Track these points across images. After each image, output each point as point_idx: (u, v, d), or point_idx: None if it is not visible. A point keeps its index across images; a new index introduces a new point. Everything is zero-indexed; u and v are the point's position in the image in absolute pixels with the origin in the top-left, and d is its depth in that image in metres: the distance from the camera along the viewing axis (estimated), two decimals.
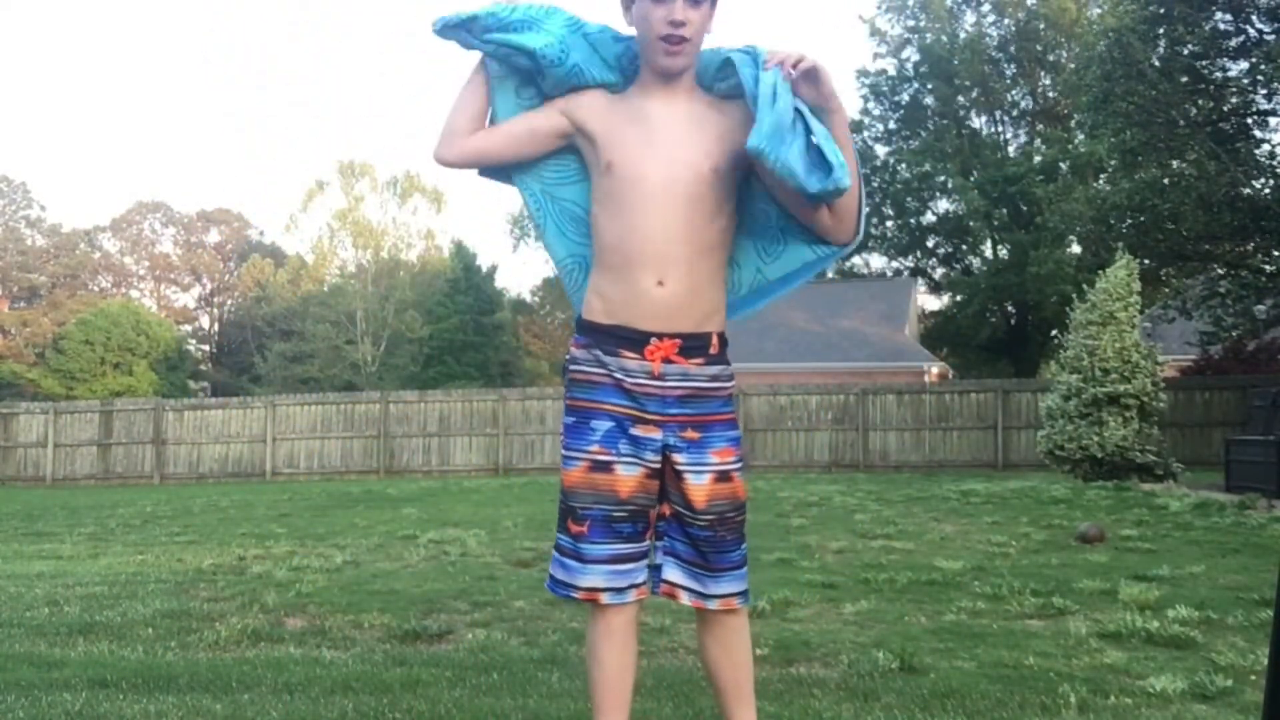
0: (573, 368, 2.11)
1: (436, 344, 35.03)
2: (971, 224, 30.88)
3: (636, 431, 2.04)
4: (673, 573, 2.09)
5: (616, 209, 2.07)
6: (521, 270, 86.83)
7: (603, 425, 2.04)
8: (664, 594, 2.09)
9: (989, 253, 32.75)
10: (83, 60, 75.89)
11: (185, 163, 74.16)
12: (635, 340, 2.05)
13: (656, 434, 2.04)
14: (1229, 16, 15.21)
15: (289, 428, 19.85)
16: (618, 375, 2.05)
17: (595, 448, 2.04)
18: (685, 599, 2.08)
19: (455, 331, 34.93)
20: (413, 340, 36.25)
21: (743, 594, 2.09)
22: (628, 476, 2.03)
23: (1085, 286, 13.48)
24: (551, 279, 46.57)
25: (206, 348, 48.79)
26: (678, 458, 2.05)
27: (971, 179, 30.60)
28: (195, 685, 3.26)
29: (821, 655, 3.63)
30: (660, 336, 2.04)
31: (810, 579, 5.21)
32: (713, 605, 2.07)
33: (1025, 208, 29.39)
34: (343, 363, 36.80)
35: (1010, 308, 31.75)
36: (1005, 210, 30.05)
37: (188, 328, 47.73)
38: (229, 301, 49.68)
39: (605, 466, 2.03)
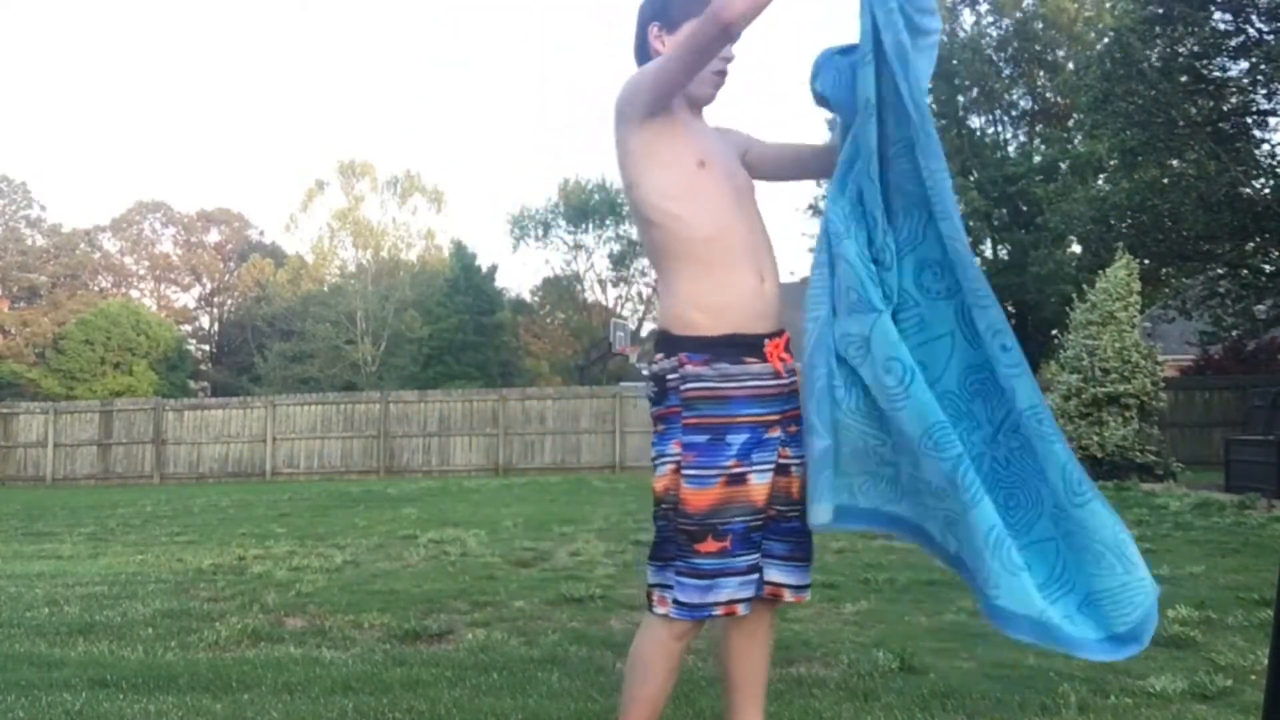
0: (693, 385, 2.03)
1: (436, 344, 35.01)
2: (971, 224, 30.81)
3: (768, 435, 2.04)
4: (775, 573, 2.10)
5: (713, 205, 2.07)
6: (521, 270, 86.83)
7: (739, 438, 2.01)
8: (769, 595, 2.11)
9: (989, 253, 32.71)
10: (83, 60, 75.92)
11: (185, 163, 74.19)
12: (753, 345, 2.05)
13: (779, 432, 2.07)
14: (1229, 16, 15.20)
15: (289, 428, 19.84)
16: (750, 384, 2.03)
17: (732, 462, 2.00)
18: (788, 596, 2.11)
19: (455, 331, 34.92)
20: (413, 340, 36.24)
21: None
22: (761, 485, 2.03)
23: (1085, 286, 13.47)
24: (551, 279, 46.60)
25: (206, 348, 48.78)
26: (788, 451, 2.09)
27: (971, 179, 30.58)
28: (195, 685, 3.27)
29: (821, 655, 3.63)
30: (770, 337, 2.09)
31: (810, 579, 5.21)
32: (806, 596, 2.15)
33: (1025, 208, 29.37)
34: (343, 363, 36.80)
35: (1010, 308, 31.67)
36: (1005, 210, 30.03)
37: (188, 328, 47.70)
38: (229, 301, 49.65)
39: (740, 479, 2.01)
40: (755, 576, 2.03)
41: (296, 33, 72.46)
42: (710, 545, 1.99)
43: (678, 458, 2.03)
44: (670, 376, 2.06)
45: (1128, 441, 12.26)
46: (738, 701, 2.13)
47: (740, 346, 2.03)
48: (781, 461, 2.08)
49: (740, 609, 2.01)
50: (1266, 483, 9.74)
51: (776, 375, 2.06)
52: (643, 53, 2.19)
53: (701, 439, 2.01)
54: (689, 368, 2.03)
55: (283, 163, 72.12)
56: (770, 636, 2.17)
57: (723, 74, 2.15)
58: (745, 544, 2.01)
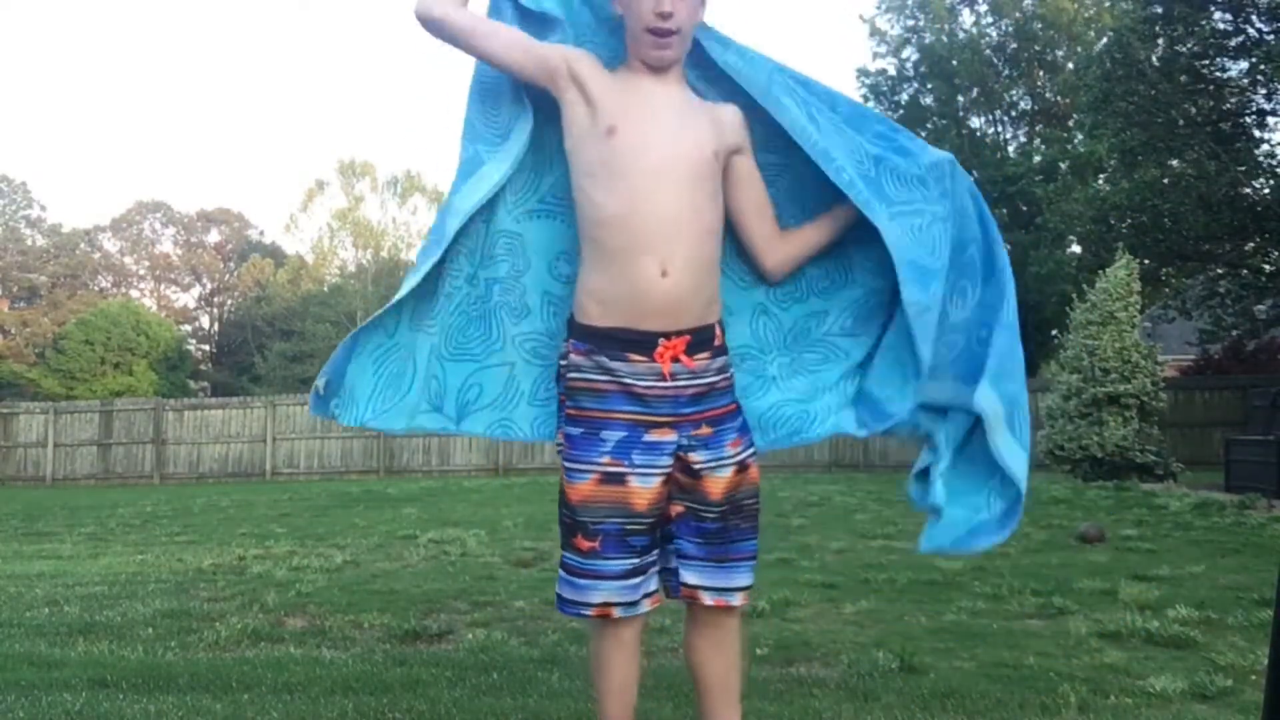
0: (573, 375, 1.96)
1: None
2: None
3: (651, 437, 1.92)
4: (689, 575, 1.99)
5: (616, 179, 1.92)
6: None
7: (614, 435, 1.91)
8: (685, 597, 2.01)
9: None
10: (83, 60, 75.92)
11: (185, 163, 74.15)
12: (641, 343, 1.92)
13: (671, 436, 1.93)
14: (1229, 16, 15.21)
15: (289, 428, 19.85)
16: (627, 380, 1.92)
17: (606, 459, 1.90)
18: (708, 599, 1.98)
19: None
20: None
21: (750, 587, 2.03)
22: (644, 489, 1.91)
23: (1085, 286, 13.48)
24: None
25: (206, 348, 48.75)
26: (694, 456, 1.95)
27: (971, 179, 30.60)
28: (195, 685, 3.26)
29: (821, 655, 3.63)
30: (667, 336, 1.92)
31: (810, 579, 5.21)
32: (735, 600, 1.99)
33: (1025, 208, 29.37)
34: None
35: None
36: (1005, 210, 30.01)
37: (188, 328, 47.66)
38: (229, 301, 49.62)
39: (618, 479, 1.90)
40: (635, 581, 1.91)
41: (296, 33, 72.49)
42: (581, 543, 1.91)
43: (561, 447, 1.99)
44: (561, 363, 2.01)
45: (1128, 441, 12.27)
46: (711, 704, 2.05)
47: (626, 342, 1.92)
48: (694, 467, 1.95)
49: (616, 612, 1.91)
50: (1266, 483, 9.74)
51: (661, 377, 1.92)
52: None
53: (577, 431, 1.94)
54: (572, 356, 1.96)
55: (283, 163, 72.13)
56: (735, 638, 2.05)
57: (659, 33, 1.92)
58: (620, 547, 1.89)
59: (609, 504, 1.90)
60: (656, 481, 1.92)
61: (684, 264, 1.92)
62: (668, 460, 1.94)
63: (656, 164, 1.93)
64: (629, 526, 1.91)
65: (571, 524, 1.93)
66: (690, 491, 1.98)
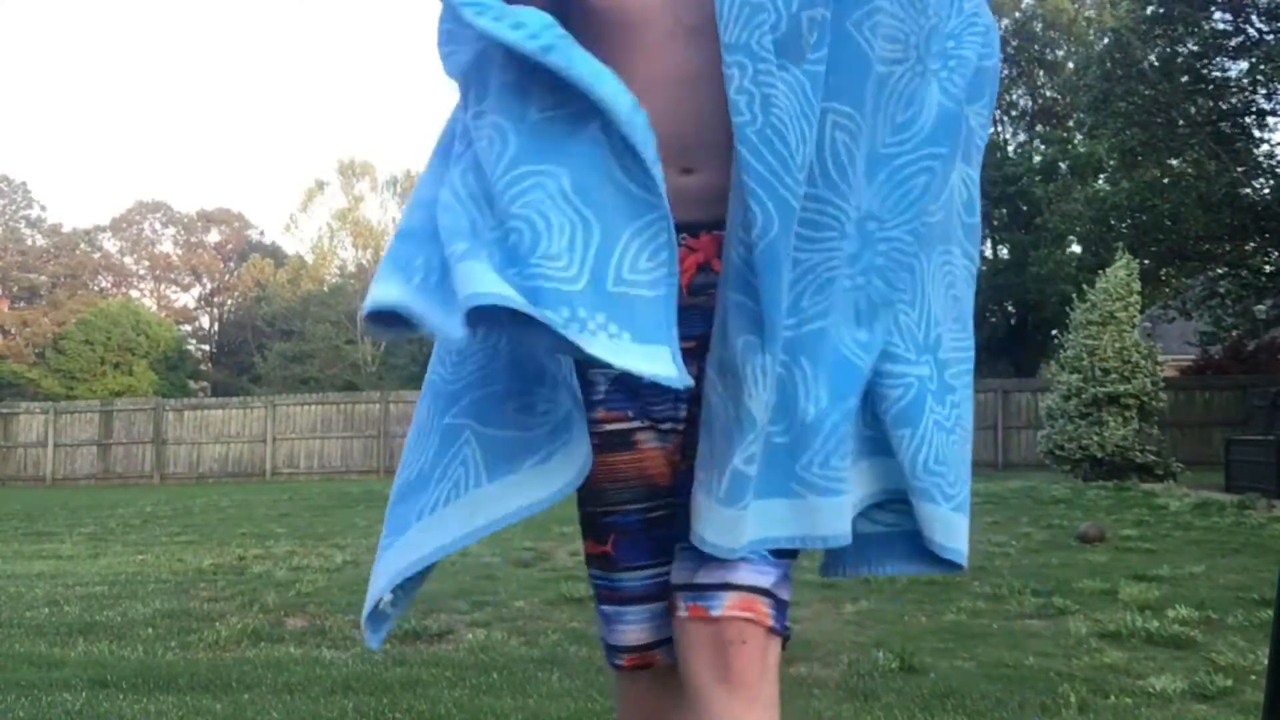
0: None
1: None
2: None
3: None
4: (674, 570, 1.18)
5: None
6: None
7: (602, 378, 1.20)
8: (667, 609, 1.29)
9: (989, 253, 32.75)
10: (83, 60, 75.94)
11: (185, 163, 74.12)
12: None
13: (694, 368, 1.13)
14: (1229, 16, 15.23)
15: (289, 428, 19.84)
16: None
17: (599, 413, 1.20)
18: (681, 608, 1.14)
19: None
20: (413, 340, 36.23)
21: (762, 592, 1.19)
22: (658, 450, 1.21)
23: (1085, 286, 13.49)
24: None
25: (206, 348, 48.76)
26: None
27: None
28: (195, 685, 3.27)
29: (821, 655, 3.63)
30: (695, 231, 1.15)
31: (810, 579, 5.20)
32: (717, 608, 1.13)
33: (1025, 208, 29.40)
34: (343, 363, 36.81)
35: (1010, 308, 31.75)
36: (1005, 210, 30.06)
37: (188, 328, 47.68)
38: (229, 301, 49.63)
39: (622, 440, 1.20)
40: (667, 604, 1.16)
41: (296, 33, 72.48)
42: (591, 547, 1.24)
43: None
44: None
45: (1128, 441, 12.27)
46: None
47: None
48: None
49: (661, 655, 1.19)
50: (1266, 483, 9.74)
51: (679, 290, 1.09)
52: None
53: None
54: None
55: (283, 163, 72.11)
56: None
57: None
58: (641, 550, 1.20)
59: (615, 480, 1.21)
60: (674, 441, 1.22)
61: (718, 165, 1.15)
62: (682, 409, 1.21)
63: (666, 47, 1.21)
64: (653, 513, 1.21)
65: (581, 521, 1.26)
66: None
